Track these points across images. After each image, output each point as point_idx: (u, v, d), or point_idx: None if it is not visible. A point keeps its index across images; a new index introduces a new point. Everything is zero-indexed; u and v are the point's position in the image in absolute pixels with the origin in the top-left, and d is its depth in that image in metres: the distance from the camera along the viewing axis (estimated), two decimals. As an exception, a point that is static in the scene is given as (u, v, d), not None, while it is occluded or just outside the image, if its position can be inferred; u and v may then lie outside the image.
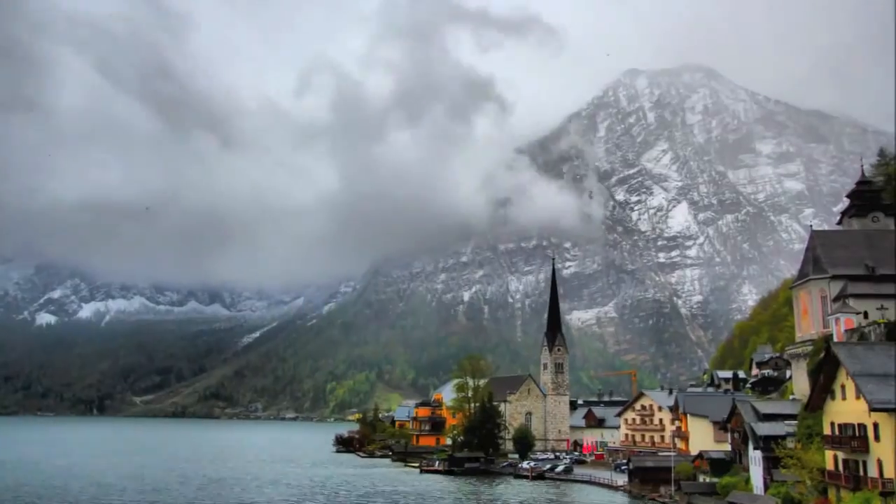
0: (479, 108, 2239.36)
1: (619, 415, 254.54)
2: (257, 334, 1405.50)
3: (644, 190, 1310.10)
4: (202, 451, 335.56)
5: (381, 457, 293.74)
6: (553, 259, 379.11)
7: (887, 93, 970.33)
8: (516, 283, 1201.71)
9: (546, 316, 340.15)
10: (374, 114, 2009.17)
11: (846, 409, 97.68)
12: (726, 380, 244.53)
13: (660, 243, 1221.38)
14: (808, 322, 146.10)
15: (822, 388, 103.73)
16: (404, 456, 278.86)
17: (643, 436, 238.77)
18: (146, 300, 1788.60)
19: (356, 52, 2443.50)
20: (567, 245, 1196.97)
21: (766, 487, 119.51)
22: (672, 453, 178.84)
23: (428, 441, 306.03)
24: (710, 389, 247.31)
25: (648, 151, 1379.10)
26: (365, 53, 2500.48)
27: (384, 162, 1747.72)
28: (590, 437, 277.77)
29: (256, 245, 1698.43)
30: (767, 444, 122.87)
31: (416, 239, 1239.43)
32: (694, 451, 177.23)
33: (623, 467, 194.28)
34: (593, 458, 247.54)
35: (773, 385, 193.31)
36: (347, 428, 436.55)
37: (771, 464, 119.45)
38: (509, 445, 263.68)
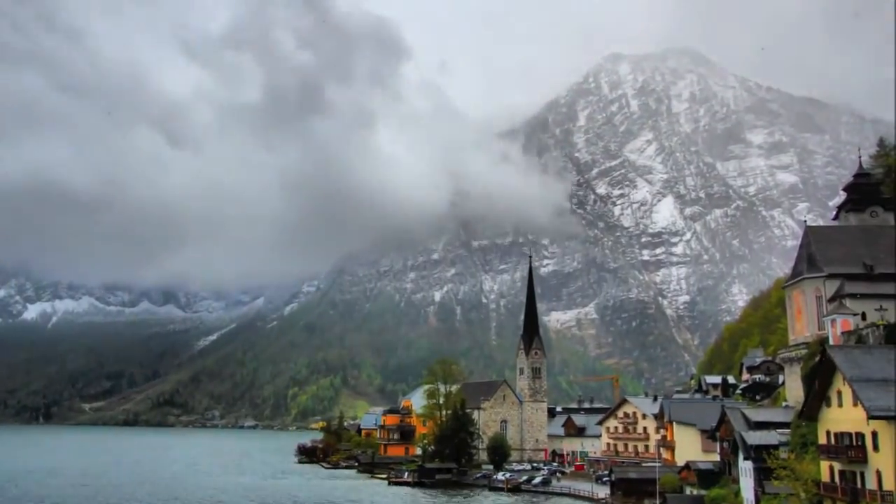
0: (453, 96, 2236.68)
1: (601, 423, 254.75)
2: (214, 337, 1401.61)
3: (627, 183, 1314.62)
4: (153, 461, 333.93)
5: (347, 468, 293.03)
6: (530, 256, 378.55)
7: (886, 79, 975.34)
8: (490, 282, 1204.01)
9: (522, 317, 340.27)
10: (339, 104, 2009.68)
11: (843, 416, 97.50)
12: (715, 385, 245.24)
13: (644, 240, 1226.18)
14: (802, 324, 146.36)
15: (817, 394, 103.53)
16: (371, 467, 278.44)
17: (626, 445, 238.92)
18: (96, 300, 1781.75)
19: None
20: (545, 242, 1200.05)
21: (758, 500, 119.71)
22: (657, 464, 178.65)
23: (396, 451, 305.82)
24: (698, 396, 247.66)
25: (631, 142, 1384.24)
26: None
27: (349, 153, 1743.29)
28: (569, 447, 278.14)
29: (214, 241, 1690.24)
30: (759, 455, 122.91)
31: (383, 235, 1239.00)
32: (680, 462, 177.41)
33: (605, 479, 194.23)
34: (573, 468, 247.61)
35: (764, 391, 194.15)
36: (310, 437, 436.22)
37: (762, 475, 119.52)
38: (483, 456, 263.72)
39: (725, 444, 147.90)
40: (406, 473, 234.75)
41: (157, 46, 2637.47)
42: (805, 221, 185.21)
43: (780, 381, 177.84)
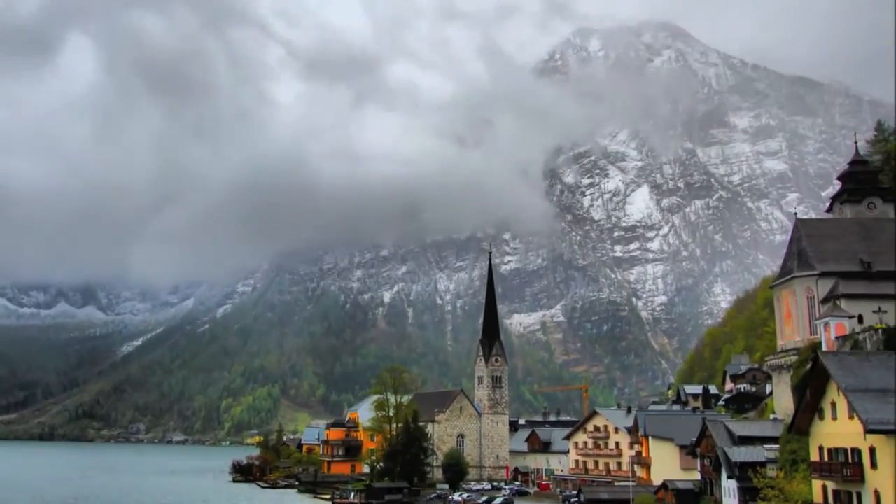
0: (406, 73, 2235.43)
1: (568, 437, 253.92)
2: (139, 342, 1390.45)
3: (597, 171, 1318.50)
4: (67, 481, 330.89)
5: (286, 487, 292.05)
6: (489, 253, 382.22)
7: (885, 55, 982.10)
8: (446, 281, 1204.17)
9: (481, 320, 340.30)
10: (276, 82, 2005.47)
11: (837, 430, 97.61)
12: (695, 396, 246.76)
13: (616, 234, 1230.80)
14: (792, 328, 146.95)
15: (809, 406, 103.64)
16: (313, 486, 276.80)
17: (596, 462, 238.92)
18: (7, 301, 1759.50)
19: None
20: (506, 236, 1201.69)
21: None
22: (630, 483, 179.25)
23: (341, 468, 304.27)
24: (676, 408, 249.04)
25: (602, 125, 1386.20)
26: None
27: (289, 136, 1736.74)
28: (533, 464, 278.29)
29: (137, 235, 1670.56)
30: (744, 473, 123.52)
31: (326, 228, 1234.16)
32: (657, 481, 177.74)
33: (573, 499, 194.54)
34: (537, 488, 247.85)
35: (750, 402, 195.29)
36: (246, 453, 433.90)
37: (748, 496, 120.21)
38: (438, 474, 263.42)
39: (707, 462, 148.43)
40: (352, 494, 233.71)
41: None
42: (795, 214, 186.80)
43: (768, 392, 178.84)
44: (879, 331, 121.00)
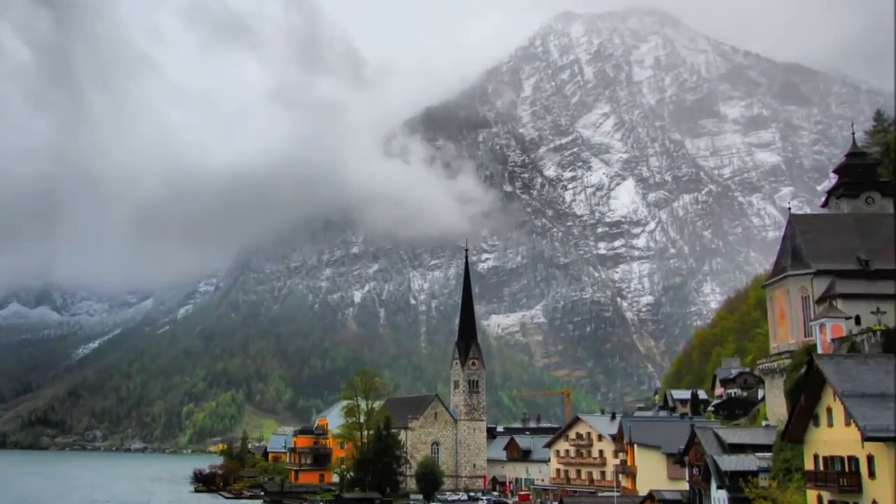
0: (382, 62, 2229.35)
1: (549, 445, 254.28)
2: (95, 344, 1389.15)
3: (580, 164, 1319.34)
4: (17, 492, 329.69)
5: (251, 497, 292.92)
6: (466, 250, 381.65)
7: (885, 41, 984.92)
8: (420, 280, 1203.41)
9: (457, 321, 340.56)
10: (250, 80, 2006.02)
11: (833, 438, 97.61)
12: (683, 402, 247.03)
13: (600, 230, 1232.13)
14: (786, 329, 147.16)
15: (803, 412, 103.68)
16: (280, 497, 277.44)
17: (579, 471, 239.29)
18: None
19: None
20: (484, 233, 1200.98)
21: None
22: (615, 493, 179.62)
23: (310, 478, 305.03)
24: (663, 414, 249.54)
25: (585, 115, 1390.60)
26: None
27: (253, 128, 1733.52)
28: (512, 473, 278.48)
29: (94, 231, 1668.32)
30: (734, 483, 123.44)
31: (293, 224, 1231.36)
32: (642, 491, 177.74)
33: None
34: (516, 499, 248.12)
35: (741, 408, 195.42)
36: (209, 461, 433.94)
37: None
38: (412, 483, 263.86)
39: (695, 471, 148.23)
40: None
41: None
42: (789, 209, 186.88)
43: (760, 397, 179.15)
44: (878, 332, 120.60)
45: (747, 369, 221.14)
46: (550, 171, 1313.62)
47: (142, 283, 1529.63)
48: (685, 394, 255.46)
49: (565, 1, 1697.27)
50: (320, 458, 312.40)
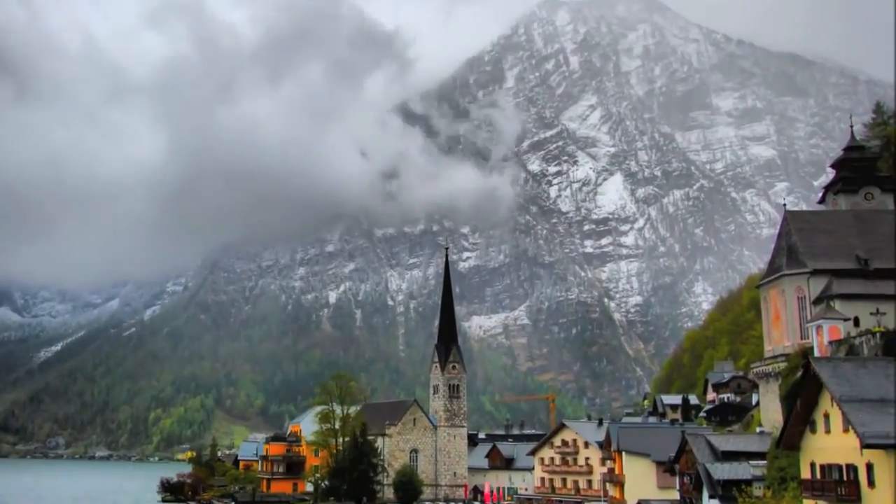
0: (370, 64, 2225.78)
1: (533, 453, 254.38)
2: (58, 347, 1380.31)
3: (566, 158, 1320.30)
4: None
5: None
6: (446, 248, 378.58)
7: (884, 30, 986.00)
8: (398, 279, 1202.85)
9: (437, 323, 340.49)
10: (226, 67, 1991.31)
11: (831, 445, 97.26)
12: (673, 407, 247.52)
13: (586, 228, 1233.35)
14: (781, 331, 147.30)
15: (799, 417, 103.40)
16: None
17: (564, 480, 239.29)
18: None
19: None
20: (464, 230, 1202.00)
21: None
22: (602, 503, 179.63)
23: (282, 487, 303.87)
24: (653, 420, 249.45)
25: (571, 107, 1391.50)
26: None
27: (232, 126, 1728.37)
28: (495, 482, 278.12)
29: (57, 229, 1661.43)
30: (727, 492, 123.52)
31: (265, 221, 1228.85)
32: (631, 501, 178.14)
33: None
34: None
35: (734, 414, 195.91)
36: (177, 469, 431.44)
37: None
38: (389, 493, 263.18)
39: (686, 479, 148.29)
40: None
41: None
42: (784, 205, 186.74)
43: (754, 402, 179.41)
44: (877, 334, 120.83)
45: (741, 373, 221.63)
46: (534, 166, 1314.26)
47: (107, 282, 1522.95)
48: (676, 399, 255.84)
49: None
50: (293, 467, 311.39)
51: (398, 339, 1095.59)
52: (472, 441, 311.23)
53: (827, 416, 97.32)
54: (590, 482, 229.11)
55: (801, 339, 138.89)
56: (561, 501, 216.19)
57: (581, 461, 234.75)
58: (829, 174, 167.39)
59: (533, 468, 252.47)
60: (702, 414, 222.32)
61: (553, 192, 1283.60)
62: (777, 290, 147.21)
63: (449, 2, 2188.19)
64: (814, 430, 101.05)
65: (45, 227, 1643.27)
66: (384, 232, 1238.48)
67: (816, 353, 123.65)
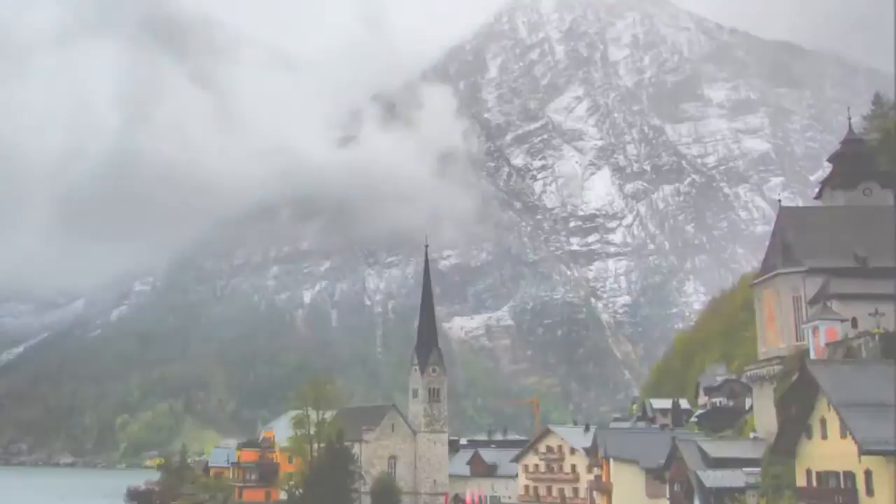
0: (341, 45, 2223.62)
1: (517, 459, 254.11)
2: (20, 349, 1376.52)
3: (551, 152, 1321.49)
4: None
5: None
6: (426, 246, 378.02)
7: (883, 18, 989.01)
8: (376, 279, 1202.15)
9: (416, 324, 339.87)
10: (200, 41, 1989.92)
11: (828, 451, 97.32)
12: (663, 412, 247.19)
13: (572, 225, 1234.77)
14: (776, 332, 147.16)
15: (795, 423, 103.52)
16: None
17: (549, 488, 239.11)
18: None
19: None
20: (445, 228, 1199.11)
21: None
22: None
23: (255, 495, 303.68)
24: (641, 425, 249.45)
25: (557, 99, 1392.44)
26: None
27: (196, 106, 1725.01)
28: (477, 490, 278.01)
29: (15, 224, 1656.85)
30: (720, 500, 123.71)
31: (237, 218, 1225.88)
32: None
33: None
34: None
35: (727, 419, 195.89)
36: (145, 477, 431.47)
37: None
38: (366, 501, 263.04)
39: (677, 487, 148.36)
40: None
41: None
42: (779, 201, 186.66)
43: (747, 407, 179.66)
44: (876, 336, 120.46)
45: (733, 376, 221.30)
46: (518, 160, 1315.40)
47: (72, 282, 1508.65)
48: (665, 403, 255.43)
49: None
50: (267, 474, 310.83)
51: (376, 340, 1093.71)
52: (454, 447, 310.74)
53: (823, 422, 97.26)
54: (576, 490, 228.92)
55: (797, 340, 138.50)
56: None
57: (567, 468, 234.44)
58: (826, 169, 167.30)
59: (517, 475, 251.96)
60: (693, 419, 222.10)
61: (538, 187, 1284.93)
62: (771, 289, 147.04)
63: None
64: (810, 436, 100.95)
65: (4, 225, 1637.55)
66: (361, 229, 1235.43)
67: (812, 356, 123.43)
